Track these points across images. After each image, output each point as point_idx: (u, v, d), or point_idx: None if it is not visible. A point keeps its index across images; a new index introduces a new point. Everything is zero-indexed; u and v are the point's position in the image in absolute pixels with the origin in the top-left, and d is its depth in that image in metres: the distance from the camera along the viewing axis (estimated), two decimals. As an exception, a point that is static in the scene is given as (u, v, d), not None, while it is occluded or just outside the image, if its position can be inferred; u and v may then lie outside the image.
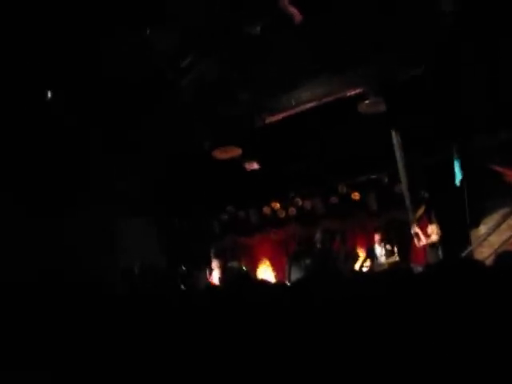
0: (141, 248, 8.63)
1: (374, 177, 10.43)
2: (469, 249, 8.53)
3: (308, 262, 8.61)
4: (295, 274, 8.46)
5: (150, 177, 8.53)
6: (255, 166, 8.76)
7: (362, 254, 10.53)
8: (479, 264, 1.96)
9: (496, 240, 9.70)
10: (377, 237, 9.59)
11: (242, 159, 8.51)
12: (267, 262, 11.88)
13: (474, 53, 6.54)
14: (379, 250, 9.51)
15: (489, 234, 9.41)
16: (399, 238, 10.26)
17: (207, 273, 9.44)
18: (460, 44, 6.30)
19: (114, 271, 6.58)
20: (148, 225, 10.00)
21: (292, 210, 11.44)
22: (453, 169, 8.42)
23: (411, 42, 6.19)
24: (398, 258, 9.02)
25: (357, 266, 10.04)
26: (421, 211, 9.82)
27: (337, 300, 1.67)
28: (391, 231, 10.50)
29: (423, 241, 8.57)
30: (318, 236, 8.51)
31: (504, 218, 9.21)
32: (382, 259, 9.34)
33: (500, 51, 6.45)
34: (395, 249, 9.28)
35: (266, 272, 11.77)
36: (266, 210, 11.57)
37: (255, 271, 11.80)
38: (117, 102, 6.38)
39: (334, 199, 10.99)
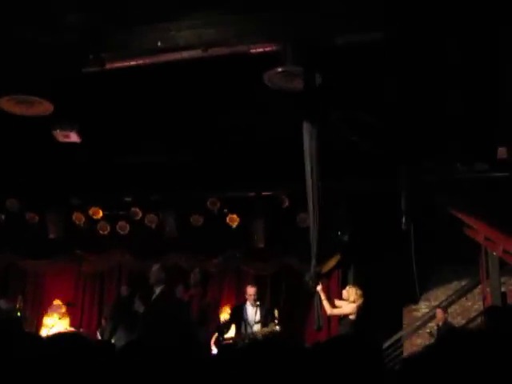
0: None
1: (267, 194, 10.50)
2: (398, 334, 8.76)
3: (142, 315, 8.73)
4: (121, 335, 8.53)
5: None
6: (73, 137, 8.76)
7: (227, 314, 10.58)
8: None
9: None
10: (250, 291, 9.53)
11: (52, 123, 8.46)
12: (62, 307, 11.42)
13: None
14: (251, 312, 9.43)
15: (429, 319, 10.04)
16: (290, 297, 10.61)
17: None
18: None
19: None
20: None
21: (123, 226, 11.24)
22: (395, 205, 8.54)
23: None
24: (278, 328, 8.98)
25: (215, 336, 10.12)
26: (333, 262, 10.00)
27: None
28: (279, 285, 10.88)
29: (328, 309, 8.52)
30: (158, 276, 8.72)
31: (456, 296, 9.89)
32: (256, 327, 9.27)
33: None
34: (275, 313, 9.30)
35: (60, 321, 11.24)
36: (78, 217, 11.26)
37: (39, 319, 11.46)
38: None
39: (196, 219, 10.91)
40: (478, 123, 7.73)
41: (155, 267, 9.19)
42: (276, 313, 9.29)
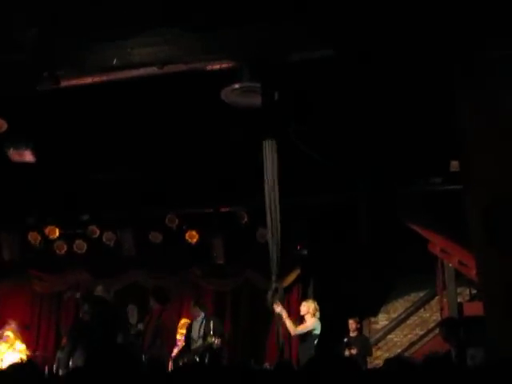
0: None
1: (224, 210, 10.46)
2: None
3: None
4: (80, 355, 8.24)
5: None
6: (27, 157, 8.60)
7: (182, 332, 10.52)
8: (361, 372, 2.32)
9: (399, 340, 10.47)
10: (192, 307, 9.59)
11: (6, 140, 8.32)
12: (15, 333, 10.75)
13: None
14: (195, 329, 9.36)
15: (389, 331, 10.07)
16: (250, 313, 10.60)
17: None
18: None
19: None
20: None
21: (80, 245, 11.06)
22: (353, 219, 8.59)
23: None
24: (215, 340, 8.88)
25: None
26: (293, 277, 9.98)
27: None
28: (240, 301, 10.85)
29: (293, 331, 8.39)
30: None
31: (414, 308, 9.95)
32: (199, 342, 9.20)
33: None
34: (211, 325, 9.10)
35: (12, 350, 10.79)
36: (33, 237, 11.03)
37: None
38: None
39: (155, 236, 10.81)
40: (432, 138, 7.86)
41: (98, 288, 9.17)
42: (211, 325, 9.10)
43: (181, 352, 9.49)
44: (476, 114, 6.25)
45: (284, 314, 7.93)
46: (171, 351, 9.85)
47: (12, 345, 10.49)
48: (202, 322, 9.28)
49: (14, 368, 2.45)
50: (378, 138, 8.00)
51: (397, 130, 7.77)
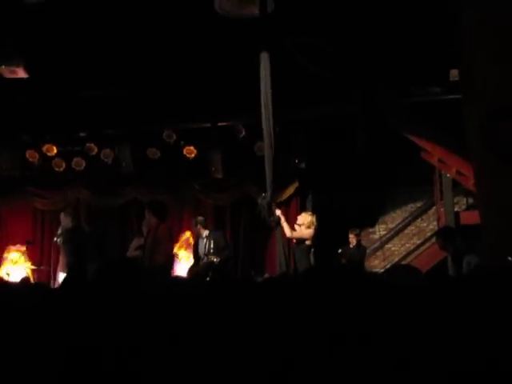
0: None
1: (222, 124, 10.35)
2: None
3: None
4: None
5: None
6: (20, 73, 8.44)
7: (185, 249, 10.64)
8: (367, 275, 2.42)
9: (397, 249, 10.59)
10: (193, 227, 9.70)
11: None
12: (21, 248, 11.22)
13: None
14: (201, 245, 9.47)
15: (387, 240, 10.16)
16: (250, 226, 10.68)
17: None
18: None
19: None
20: None
21: (79, 162, 10.96)
22: (350, 131, 8.52)
23: None
24: (215, 259, 9.03)
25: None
26: (291, 190, 9.99)
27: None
28: (239, 215, 10.90)
29: (288, 232, 8.48)
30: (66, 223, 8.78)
31: (412, 218, 10.00)
32: (206, 259, 9.32)
33: None
34: (213, 243, 9.28)
35: (15, 263, 11.13)
36: (31, 155, 10.95)
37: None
38: None
39: (152, 152, 10.71)
40: (431, 47, 7.70)
41: (62, 215, 9.29)
42: (212, 243, 9.26)
43: (192, 267, 9.60)
44: (477, 22, 6.10)
45: (282, 218, 8.04)
46: (171, 265, 9.97)
47: (17, 261, 10.71)
48: (207, 239, 9.35)
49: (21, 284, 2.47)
50: (377, 47, 7.82)
51: (395, 38, 7.60)
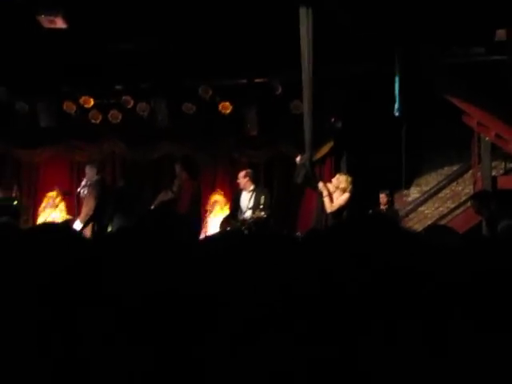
0: None
1: (258, 81, 10.28)
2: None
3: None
4: (119, 222, 8.53)
5: None
6: (59, 23, 8.46)
7: (223, 203, 10.68)
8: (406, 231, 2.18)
9: (430, 212, 10.49)
10: (242, 177, 9.52)
11: (37, 7, 8.23)
12: (58, 197, 11.44)
13: None
14: (244, 198, 9.46)
15: (420, 203, 10.06)
16: (283, 184, 10.68)
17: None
18: None
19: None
20: None
21: (115, 115, 11.03)
22: (388, 91, 8.40)
23: None
24: (263, 214, 9.03)
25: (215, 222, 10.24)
26: (326, 149, 9.94)
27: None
28: (273, 172, 10.92)
29: (329, 207, 8.42)
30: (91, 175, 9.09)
31: (447, 181, 9.84)
32: (248, 213, 9.33)
33: None
34: (261, 199, 9.27)
35: (54, 212, 11.38)
36: (68, 106, 11.02)
37: (36, 208, 11.55)
38: None
39: (188, 107, 10.71)
40: (475, 5, 7.51)
41: (87, 167, 9.67)
42: (262, 199, 9.20)
43: (226, 219, 9.65)
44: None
45: (325, 192, 8.02)
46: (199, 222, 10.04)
47: (57, 206, 10.97)
48: (253, 194, 9.36)
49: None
50: (419, 4, 7.66)
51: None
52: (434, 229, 3.33)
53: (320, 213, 8.32)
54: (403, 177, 9.05)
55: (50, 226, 2.47)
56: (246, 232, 9.05)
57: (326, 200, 8.05)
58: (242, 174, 9.56)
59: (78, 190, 9.77)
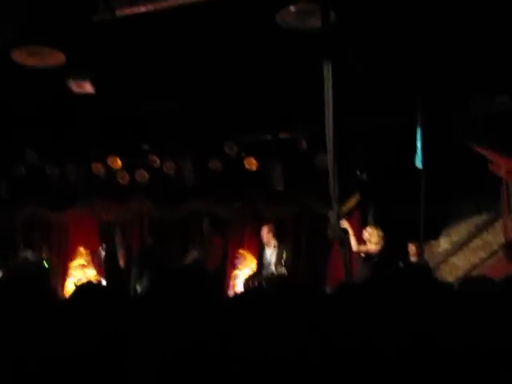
0: None
1: (284, 137, 10.40)
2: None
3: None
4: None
5: None
6: (87, 88, 8.79)
7: (251, 259, 10.68)
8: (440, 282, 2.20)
9: (461, 263, 10.36)
10: (266, 233, 9.60)
11: (66, 73, 8.50)
12: (85, 257, 11.65)
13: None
14: (267, 254, 9.50)
15: (451, 254, 9.95)
16: (311, 239, 10.66)
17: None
18: None
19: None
20: None
21: (142, 175, 11.23)
22: (412, 142, 8.43)
23: None
24: (285, 271, 9.03)
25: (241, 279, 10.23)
26: (352, 202, 9.93)
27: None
28: (300, 227, 10.89)
29: (355, 246, 8.43)
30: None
31: (477, 231, 9.73)
32: (271, 270, 9.33)
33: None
34: (285, 255, 9.31)
35: (83, 271, 11.57)
36: (97, 168, 11.29)
37: (65, 268, 11.68)
38: None
39: (214, 164, 10.83)
40: (498, 54, 7.55)
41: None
42: (284, 255, 9.31)
43: (250, 277, 9.66)
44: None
45: (350, 231, 8.02)
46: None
47: (87, 266, 11.05)
48: (275, 250, 9.37)
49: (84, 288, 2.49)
50: (438, 55, 7.72)
51: (459, 43, 7.44)
52: (470, 280, 3.26)
53: (348, 264, 8.28)
54: (421, 229, 8.96)
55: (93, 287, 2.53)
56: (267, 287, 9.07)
57: (352, 239, 8.05)
58: (265, 229, 9.63)
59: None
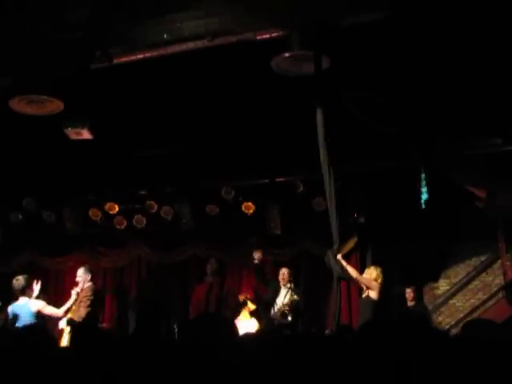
0: None
1: (281, 180, 10.41)
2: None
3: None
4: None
5: None
6: (85, 134, 8.81)
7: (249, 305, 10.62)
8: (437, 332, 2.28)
9: (461, 305, 10.34)
10: (287, 274, 9.59)
11: (64, 120, 8.55)
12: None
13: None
14: (282, 294, 9.52)
15: (450, 296, 9.94)
16: (310, 281, 10.64)
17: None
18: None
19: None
20: None
21: (139, 220, 11.24)
22: (411, 183, 8.46)
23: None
24: (297, 297, 9.11)
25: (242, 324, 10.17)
26: (351, 245, 9.88)
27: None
28: (298, 270, 10.78)
29: (355, 273, 8.35)
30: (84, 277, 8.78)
31: (476, 272, 9.77)
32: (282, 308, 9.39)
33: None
34: (296, 296, 9.35)
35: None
36: (94, 213, 11.30)
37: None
38: None
39: (211, 209, 10.84)
40: (492, 97, 7.64)
41: (80, 270, 9.21)
42: (295, 296, 9.35)
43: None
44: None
45: (343, 262, 7.92)
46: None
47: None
48: (288, 291, 9.42)
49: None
50: (433, 100, 7.82)
51: (454, 89, 7.58)
52: (471, 324, 3.24)
53: (337, 300, 8.21)
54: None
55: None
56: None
57: (349, 268, 7.93)
58: (287, 270, 9.57)
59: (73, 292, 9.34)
